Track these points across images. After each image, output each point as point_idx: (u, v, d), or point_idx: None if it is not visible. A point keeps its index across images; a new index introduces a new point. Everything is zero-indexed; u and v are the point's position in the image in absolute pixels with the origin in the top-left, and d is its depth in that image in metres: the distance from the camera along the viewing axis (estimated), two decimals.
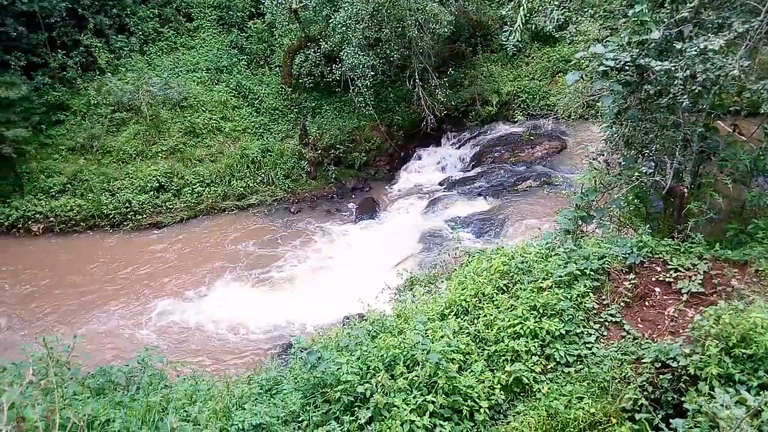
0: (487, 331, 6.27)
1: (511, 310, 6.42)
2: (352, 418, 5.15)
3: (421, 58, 18.23)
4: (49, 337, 5.98)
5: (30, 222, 16.87)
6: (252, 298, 14.14)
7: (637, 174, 7.65)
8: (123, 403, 5.98)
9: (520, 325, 6.19)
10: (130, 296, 14.35)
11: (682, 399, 5.00)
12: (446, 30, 17.72)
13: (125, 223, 17.17)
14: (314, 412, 5.35)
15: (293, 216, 17.91)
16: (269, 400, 5.90)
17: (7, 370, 6.80)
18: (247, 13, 21.98)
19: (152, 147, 18.35)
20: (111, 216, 17.15)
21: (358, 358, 5.79)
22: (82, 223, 17.09)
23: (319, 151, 19.17)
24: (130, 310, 13.85)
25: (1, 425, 2.02)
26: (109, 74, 19.17)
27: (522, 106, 20.32)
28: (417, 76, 18.28)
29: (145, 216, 17.31)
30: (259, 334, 12.97)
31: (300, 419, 5.35)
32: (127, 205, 17.22)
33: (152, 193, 17.54)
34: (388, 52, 17.84)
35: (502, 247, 7.91)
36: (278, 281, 14.80)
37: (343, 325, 10.13)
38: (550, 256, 7.17)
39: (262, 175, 18.65)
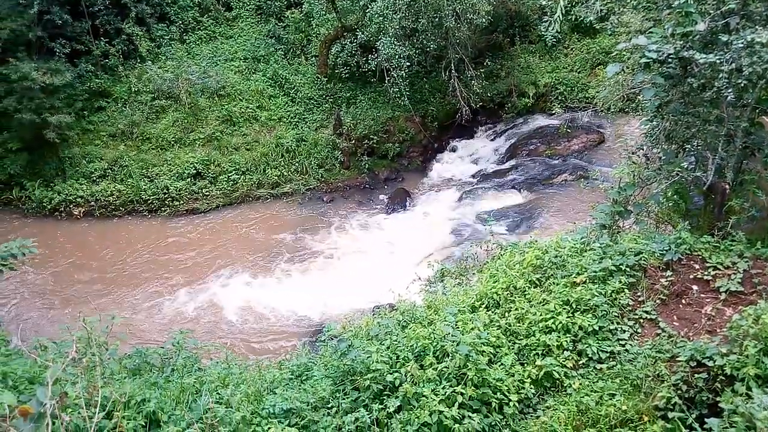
0: (518, 324, 6.23)
1: (543, 305, 6.36)
2: (381, 406, 5.18)
3: (458, 49, 18.07)
4: (90, 318, 6.18)
5: (71, 206, 17.40)
6: (283, 285, 14.33)
7: (677, 169, 7.45)
8: (158, 383, 6.15)
9: (552, 320, 6.13)
10: (164, 280, 14.69)
11: (717, 399, 4.89)
12: (484, 20, 17.51)
13: (163, 208, 17.56)
14: (344, 399, 5.40)
15: (326, 205, 18.03)
16: (299, 385, 5.98)
17: (49, 348, 7.06)
18: (285, 2, 22.12)
19: (190, 134, 18.70)
20: (149, 201, 17.56)
21: (388, 348, 5.83)
22: (121, 208, 17.56)
23: (353, 142, 19.22)
24: (163, 294, 14.17)
25: (46, 399, 2.11)
26: (150, 62, 19.57)
27: (559, 98, 19.96)
28: (453, 67, 18.14)
29: (182, 202, 17.67)
30: (289, 320, 13.13)
31: (330, 405, 5.41)
32: (165, 191, 17.60)
33: (189, 179, 17.89)
34: (424, 42, 17.75)
35: (536, 241, 7.83)
36: (309, 269, 14.95)
37: (373, 314, 10.18)
38: (585, 251, 7.07)
39: (296, 164, 18.82)
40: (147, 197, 17.53)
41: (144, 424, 5.18)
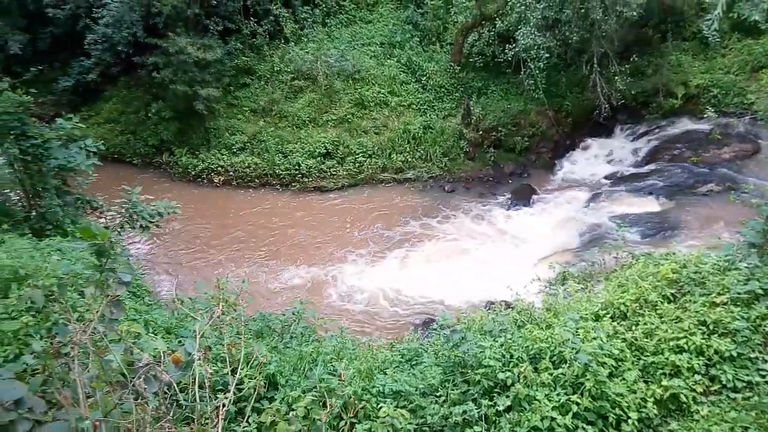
0: (645, 340, 5.85)
1: (676, 322, 5.93)
2: (490, 403, 5.11)
3: (603, 42, 17.06)
4: (222, 279, 6.63)
5: (213, 174, 18.77)
6: (398, 270, 14.50)
7: None
8: (278, 348, 6.49)
9: (684, 339, 5.69)
10: (288, 252, 15.39)
11: None
12: (635, 13, 16.39)
13: (293, 184, 18.41)
14: (453, 389, 5.38)
15: (447, 194, 17.97)
16: (409, 369, 6.04)
17: (185, 303, 7.69)
18: None
19: (324, 115, 19.40)
20: (282, 176, 18.48)
21: (502, 345, 5.72)
22: (256, 180, 18.64)
23: (480, 132, 18.94)
24: (285, 265, 14.83)
25: (193, 351, 2.30)
26: (293, 43, 20.50)
27: (712, 101, 18.25)
28: (595, 61, 17.20)
29: (311, 179, 18.41)
30: (401, 305, 13.27)
31: (438, 394, 5.42)
32: (296, 167, 18.43)
33: (319, 158, 18.59)
34: (567, 33, 16.96)
35: (673, 253, 7.30)
36: (425, 257, 14.99)
37: (487, 309, 10.02)
38: (729, 270, 6.48)
39: (421, 151, 18.88)
40: (280, 172, 18.45)
41: (263, 384, 5.49)
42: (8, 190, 11.39)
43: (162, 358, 2.28)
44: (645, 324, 6.03)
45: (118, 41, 19.22)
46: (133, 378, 2.20)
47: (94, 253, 2.43)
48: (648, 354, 5.74)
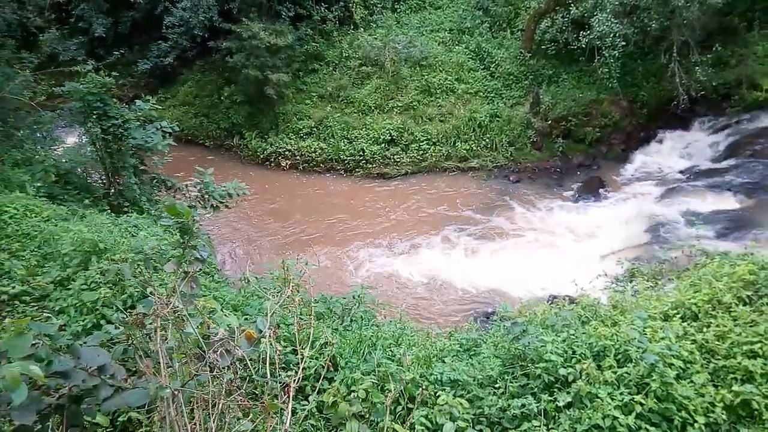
0: (717, 342, 5.60)
1: (751, 326, 5.64)
2: (550, 398, 5.04)
3: (684, 30, 16.24)
4: (288, 261, 6.80)
5: (280, 158, 19.19)
6: (458, 259, 14.43)
7: None
8: (338, 330, 6.62)
9: (759, 344, 5.41)
10: (349, 236, 15.59)
11: None
12: (719, 0, 15.53)
13: (357, 170, 18.59)
14: (512, 382, 5.34)
15: (511, 184, 17.69)
16: (468, 359, 6.03)
17: (251, 282, 7.94)
18: None
19: (389, 102, 19.45)
20: (346, 162, 18.69)
21: (564, 341, 5.63)
22: (321, 165, 18.94)
23: (549, 122, 18.49)
24: (344, 249, 15.02)
25: (265, 329, 2.41)
26: (362, 29, 20.59)
27: None
28: (675, 50, 16.41)
29: (374, 166, 18.53)
30: (460, 294, 13.21)
31: (497, 386, 5.39)
32: (360, 153, 18.59)
33: (384, 145, 18.67)
34: (645, 21, 16.24)
35: (751, 254, 6.93)
36: (486, 247, 14.85)
37: (549, 303, 9.85)
38: None
39: (487, 139, 18.64)
40: (345, 157, 18.66)
41: (323, 365, 5.62)
42: (90, 168, 12.05)
43: (235, 333, 2.40)
44: (717, 326, 5.78)
45: (194, 25, 19.83)
46: (209, 351, 2.32)
47: (178, 230, 2.57)
48: (719, 357, 5.50)
